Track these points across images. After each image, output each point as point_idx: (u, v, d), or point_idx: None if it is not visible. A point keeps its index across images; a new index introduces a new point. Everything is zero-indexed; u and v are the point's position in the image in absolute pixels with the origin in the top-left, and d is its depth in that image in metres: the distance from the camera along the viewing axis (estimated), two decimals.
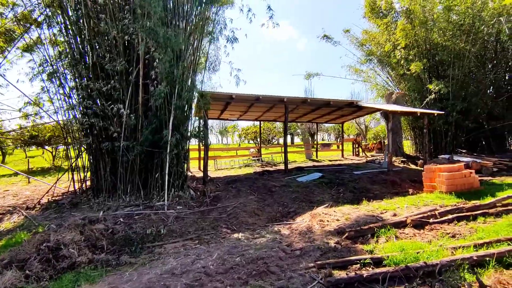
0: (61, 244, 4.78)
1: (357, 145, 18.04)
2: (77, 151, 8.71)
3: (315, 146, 17.40)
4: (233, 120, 15.28)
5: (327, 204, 6.87)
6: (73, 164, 8.71)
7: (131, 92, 7.57)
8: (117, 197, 8.02)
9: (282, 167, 13.48)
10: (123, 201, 7.94)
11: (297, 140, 45.37)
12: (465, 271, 3.46)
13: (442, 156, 12.24)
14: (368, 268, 3.71)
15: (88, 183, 9.04)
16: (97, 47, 7.42)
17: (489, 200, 6.14)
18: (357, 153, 17.89)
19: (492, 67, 14.46)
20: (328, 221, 5.73)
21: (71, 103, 8.35)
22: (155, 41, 6.77)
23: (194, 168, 14.46)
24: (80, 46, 7.66)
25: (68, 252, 4.64)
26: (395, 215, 5.85)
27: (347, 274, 3.50)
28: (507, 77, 15.18)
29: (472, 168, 10.27)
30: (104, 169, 8.07)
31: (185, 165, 8.83)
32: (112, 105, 7.12)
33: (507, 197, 6.24)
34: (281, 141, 46.93)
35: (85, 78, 7.59)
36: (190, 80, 7.57)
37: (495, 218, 5.32)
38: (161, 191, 8.07)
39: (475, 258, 3.64)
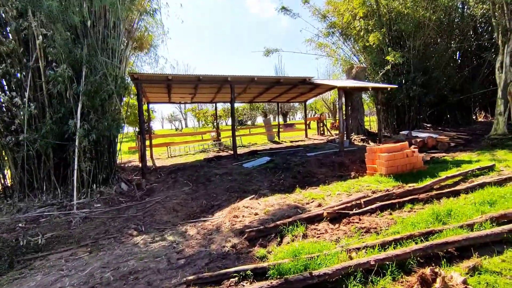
0: None
1: (321, 123, 17.40)
2: None
3: (279, 126, 16.58)
4: (186, 103, 14.31)
5: (253, 196, 6.21)
6: None
7: (32, 78, 6.54)
8: (33, 197, 7.17)
9: (241, 150, 12.76)
10: (38, 201, 7.10)
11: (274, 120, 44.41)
12: (357, 281, 2.85)
13: (402, 132, 11.72)
14: (246, 282, 3.07)
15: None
16: None
17: (425, 183, 5.59)
18: (322, 132, 17.28)
19: (460, 34, 13.71)
20: (243, 216, 5.07)
21: None
22: (44, 14, 5.69)
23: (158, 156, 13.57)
24: None
25: None
26: (319, 205, 5.24)
27: None
28: (474, 45, 14.55)
29: (428, 144, 9.77)
30: (15, 166, 7.14)
31: (112, 157, 7.98)
32: (3, 94, 6.09)
33: (445, 178, 5.71)
34: (259, 120, 45.96)
35: None
36: (99, 62, 6.53)
37: (424, 204, 4.76)
38: (82, 188, 7.26)
39: (372, 263, 3.02)
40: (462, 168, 6.71)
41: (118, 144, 9.23)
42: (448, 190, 5.14)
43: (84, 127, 6.30)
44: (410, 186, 5.67)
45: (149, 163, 11.35)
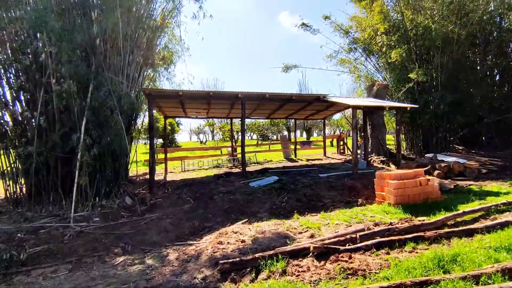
0: None
1: (342, 142, 16.60)
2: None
3: (296, 144, 16.04)
4: (202, 117, 14.44)
5: (246, 220, 5.90)
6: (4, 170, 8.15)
7: (44, 92, 6.85)
8: (41, 207, 7.41)
9: (253, 168, 12.50)
10: (45, 211, 7.32)
11: (308, 135, 43.36)
12: None
13: (428, 155, 10.82)
14: None
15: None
16: None
17: (437, 217, 4.93)
18: (342, 151, 16.48)
19: (497, 49, 12.53)
20: (229, 243, 4.77)
21: None
22: (52, 34, 5.97)
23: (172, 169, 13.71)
24: None
25: None
26: (312, 236, 4.80)
27: None
28: None
29: (453, 170, 8.86)
30: (26, 175, 7.46)
31: (118, 171, 8.08)
32: (14, 107, 6.43)
33: (462, 213, 5.01)
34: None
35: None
36: (105, 78, 6.71)
37: (430, 244, 4.15)
38: (85, 201, 7.39)
39: None
40: (486, 201, 5.91)
41: (133, 157, 9.41)
42: (462, 228, 4.47)
43: (86, 141, 6.42)
44: (419, 220, 5.04)
45: (161, 177, 11.46)
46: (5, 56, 6.46)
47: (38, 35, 6.01)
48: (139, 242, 5.54)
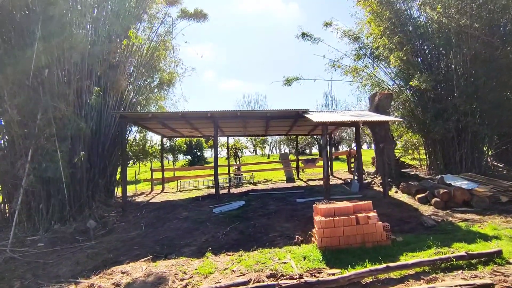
0: None
1: (353, 159, 14.72)
2: None
3: (297, 162, 14.65)
4: (198, 137, 14.26)
5: (150, 257, 5.30)
6: None
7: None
8: (5, 229, 7.85)
9: (244, 188, 11.82)
10: (10, 233, 7.74)
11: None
12: None
13: (439, 176, 8.88)
14: None
15: None
16: None
17: (344, 274, 3.73)
18: (352, 169, 14.57)
19: None
20: (100, 287, 4.26)
21: None
22: None
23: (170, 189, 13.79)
24: None
25: None
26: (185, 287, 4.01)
27: None
28: None
29: (455, 198, 7.01)
30: None
31: (79, 194, 8.21)
32: None
33: (386, 268, 3.71)
34: (314, 150, 43.12)
35: None
36: (50, 106, 6.92)
37: None
38: (36, 225, 7.60)
39: None
40: (452, 248, 4.37)
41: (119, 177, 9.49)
42: None
43: (25, 168, 6.62)
44: (330, 274, 3.89)
45: (147, 197, 11.52)
46: None
47: None
48: (46, 274, 5.35)
